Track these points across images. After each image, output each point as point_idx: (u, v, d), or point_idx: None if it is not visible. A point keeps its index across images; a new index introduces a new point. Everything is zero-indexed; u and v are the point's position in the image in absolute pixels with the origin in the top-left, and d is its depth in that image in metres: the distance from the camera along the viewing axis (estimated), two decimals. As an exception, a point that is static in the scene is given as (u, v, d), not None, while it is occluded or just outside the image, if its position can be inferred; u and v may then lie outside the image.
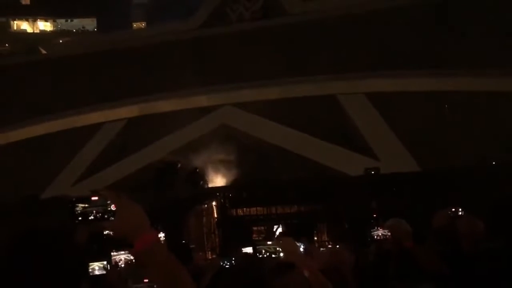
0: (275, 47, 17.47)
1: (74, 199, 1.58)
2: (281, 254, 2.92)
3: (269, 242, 3.00)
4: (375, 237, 4.53)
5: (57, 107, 18.22)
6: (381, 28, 16.51)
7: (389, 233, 4.49)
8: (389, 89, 16.20)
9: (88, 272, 1.42)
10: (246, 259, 2.97)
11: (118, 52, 19.22)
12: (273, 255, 2.96)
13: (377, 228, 4.54)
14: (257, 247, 2.98)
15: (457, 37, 15.55)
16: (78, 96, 18.16)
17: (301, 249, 3.40)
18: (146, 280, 3.03)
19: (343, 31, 16.92)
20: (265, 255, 3.00)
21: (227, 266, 5.64)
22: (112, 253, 3.97)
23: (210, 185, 16.62)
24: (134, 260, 3.78)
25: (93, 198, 1.57)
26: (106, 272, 3.55)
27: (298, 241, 3.39)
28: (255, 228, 13.55)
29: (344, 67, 16.69)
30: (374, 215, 10.28)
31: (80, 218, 1.56)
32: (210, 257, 12.73)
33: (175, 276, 1.54)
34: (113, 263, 3.99)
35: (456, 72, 15.73)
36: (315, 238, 12.67)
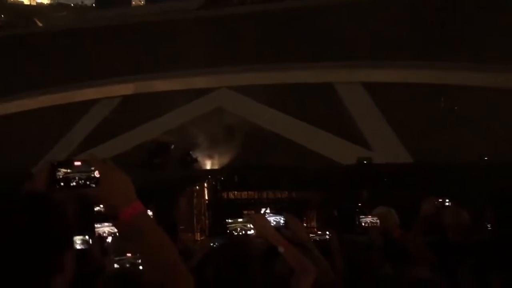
0: (275, 32, 17.35)
1: (55, 163, 1.50)
2: (253, 231, 2.87)
3: (240, 220, 2.95)
4: (363, 224, 4.54)
5: (52, 82, 18.07)
6: (381, 18, 16.40)
7: (378, 221, 4.50)
8: (387, 79, 16.17)
9: (73, 243, 1.36)
10: (234, 239, 2.95)
11: (115, 28, 19.03)
12: (244, 232, 2.91)
13: (365, 216, 4.54)
14: (228, 225, 2.94)
15: (456, 30, 15.49)
16: (74, 71, 18.01)
17: (282, 222, 3.32)
18: (129, 254, 3.00)
19: (343, 19, 16.80)
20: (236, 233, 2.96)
21: (215, 246, 5.66)
22: (95, 225, 3.93)
23: (202, 168, 16.62)
24: (117, 233, 3.75)
25: (76, 163, 1.48)
26: (89, 246, 3.47)
27: (279, 215, 3.32)
28: (245, 212, 13.58)
29: (343, 56, 16.62)
30: (364, 203, 10.33)
31: (61, 184, 1.46)
32: (199, 239, 12.78)
33: (162, 248, 1.49)
34: (97, 235, 3.95)
35: (454, 65, 15.71)
36: (304, 224, 12.72)
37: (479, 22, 14.99)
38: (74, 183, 1.48)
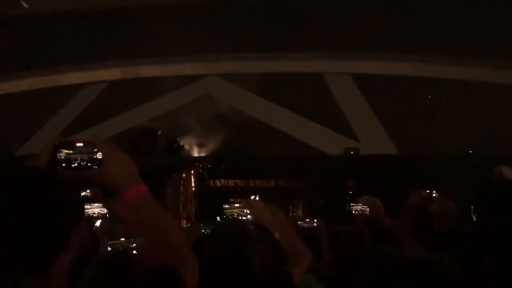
0: (265, 20, 17.27)
1: (57, 143, 1.48)
2: (249, 216, 2.88)
3: (237, 205, 2.96)
4: (354, 211, 4.60)
5: (37, 65, 17.79)
6: (372, 10, 16.41)
7: (368, 209, 4.56)
8: (376, 71, 16.26)
9: (80, 221, 1.31)
10: (228, 224, 2.95)
11: (103, 12, 18.75)
12: (241, 217, 2.92)
13: (356, 204, 4.60)
14: (225, 210, 2.94)
15: (448, 26, 15.58)
16: (60, 54, 17.73)
17: None
18: (122, 239, 2.99)
19: (333, 9, 16.78)
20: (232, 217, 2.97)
21: (207, 232, 5.65)
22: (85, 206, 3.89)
23: (189, 155, 16.56)
24: (108, 215, 3.73)
25: (78, 144, 1.47)
26: None
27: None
28: (231, 200, 13.59)
29: (332, 46, 16.64)
30: (350, 192, 10.42)
31: (63, 165, 1.45)
32: (185, 225, 12.77)
33: (168, 229, 1.49)
34: (86, 215, 3.92)
35: (442, 59, 15.83)
36: (290, 214, 12.80)
37: (470, 16, 15.09)
38: (76, 164, 1.46)
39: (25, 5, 21.79)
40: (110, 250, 2.63)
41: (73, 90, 17.98)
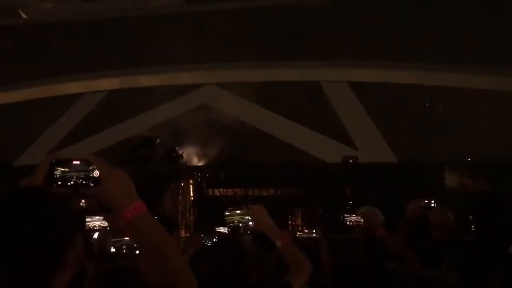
0: (262, 29, 17.33)
1: (54, 160, 1.48)
2: (250, 223, 2.83)
3: (238, 211, 2.92)
4: (348, 222, 4.59)
5: (36, 75, 17.80)
6: (369, 18, 16.48)
7: (361, 220, 4.55)
8: (373, 79, 16.28)
9: (75, 240, 1.30)
10: (229, 235, 2.92)
11: (101, 22, 18.81)
12: (242, 224, 2.87)
13: (350, 215, 4.59)
14: (226, 217, 2.90)
15: (444, 32, 15.64)
16: (59, 64, 17.76)
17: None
18: (126, 238, 2.96)
19: (331, 18, 16.85)
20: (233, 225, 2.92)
21: (208, 244, 5.63)
22: (86, 219, 3.88)
23: (187, 164, 16.54)
24: (109, 228, 3.72)
25: (74, 162, 1.48)
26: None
27: None
28: (230, 209, 13.56)
29: (330, 55, 16.68)
30: (350, 202, 10.40)
31: (59, 182, 1.46)
32: (183, 235, 12.72)
33: (165, 249, 1.47)
34: (87, 229, 3.91)
35: (440, 66, 15.87)
36: (289, 222, 12.78)
37: (468, 23, 15.15)
38: (72, 182, 1.46)
39: (24, 15, 21.87)
40: (112, 266, 2.59)
41: (72, 99, 17.98)
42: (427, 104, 16.23)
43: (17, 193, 1.28)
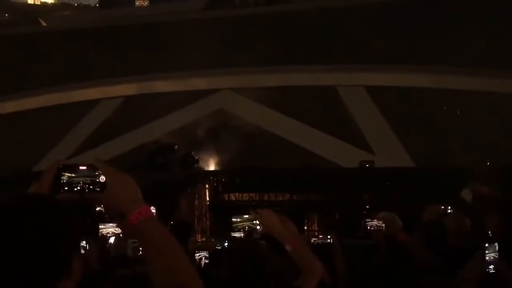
0: (277, 34, 17.35)
1: (60, 166, 1.49)
2: (258, 228, 2.76)
3: (246, 216, 2.84)
4: (369, 227, 4.53)
5: (54, 81, 18.08)
6: (385, 21, 16.39)
7: (383, 225, 4.49)
8: (390, 83, 16.15)
9: (80, 247, 1.29)
10: (244, 241, 2.87)
11: (119, 29, 19.04)
12: (248, 228, 2.80)
13: (371, 219, 4.53)
14: (233, 224, 2.83)
15: (461, 36, 15.46)
16: (76, 71, 18.02)
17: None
18: None
19: (346, 22, 16.79)
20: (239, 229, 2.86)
21: (219, 248, 5.63)
22: (100, 226, 3.91)
23: (204, 169, 16.59)
24: (122, 234, 3.74)
25: (81, 168, 1.48)
26: (85, 251, 3.41)
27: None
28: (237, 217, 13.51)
29: (346, 59, 16.61)
30: (367, 207, 10.29)
31: (66, 188, 1.47)
32: (200, 240, 12.75)
33: (170, 252, 1.46)
34: (100, 235, 3.94)
35: (457, 70, 15.69)
36: (305, 227, 12.69)
37: (482, 27, 14.98)
38: (78, 188, 1.47)
39: (43, 23, 22.27)
40: (124, 272, 2.61)
41: (89, 105, 18.21)
42: (444, 108, 16.04)
43: (22, 200, 1.29)
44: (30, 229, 1.22)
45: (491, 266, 3.11)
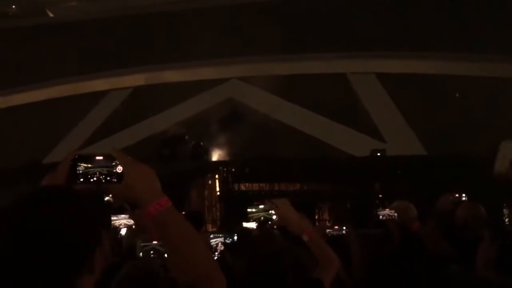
0: (287, 22, 17.19)
1: (76, 156, 1.45)
2: (274, 217, 2.72)
3: (261, 206, 2.80)
4: (381, 217, 4.46)
5: (62, 72, 18.12)
6: (396, 7, 16.17)
7: (395, 214, 4.43)
8: (401, 70, 15.97)
9: (102, 240, 1.26)
10: (260, 231, 2.83)
11: (126, 19, 19.00)
12: (263, 218, 2.76)
13: (383, 209, 4.47)
14: (249, 214, 2.79)
15: (473, 21, 15.22)
16: (84, 62, 18.04)
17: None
18: (155, 242, 2.93)
19: (356, 9, 16.59)
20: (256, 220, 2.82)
21: (228, 241, 5.60)
22: (112, 218, 3.89)
23: (213, 159, 16.59)
24: (134, 226, 3.70)
25: (97, 158, 1.45)
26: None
27: None
28: (255, 203, 13.50)
29: (356, 46, 16.43)
30: (380, 196, 10.21)
31: (82, 179, 1.44)
32: (210, 230, 12.77)
33: (191, 245, 1.42)
34: (112, 227, 3.92)
35: (471, 56, 15.46)
36: (316, 217, 12.66)
37: (495, 11, 14.71)
38: (95, 178, 1.43)
39: (51, 14, 22.28)
40: (135, 264, 2.56)
41: (98, 97, 18.25)
42: (457, 95, 15.84)
43: (41, 193, 1.24)
44: (52, 223, 1.17)
45: None
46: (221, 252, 4.76)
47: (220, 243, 4.62)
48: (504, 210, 6.33)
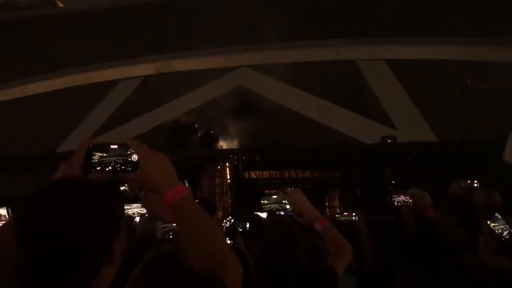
0: (295, 9, 17.07)
1: (91, 145, 1.45)
2: (288, 207, 2.75)
3: (275, 197, 2.83)
4: (396, 203, 4.47)
5: (73, 62, 18.19)
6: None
7: (410, 200, 4.44)
8: (411, 56, 15.82)
9: (120, 230, 1.26)
10: (273, 219, 2.87)
11: (135, 8, 18.97)
12: (278, 209, 2.79)
13: (398, 195, 4.48)
14: (263, 206, 2.82)
15: (482, 6, 15.00)
16: (95, 52, 18.07)
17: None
18: (174, 224, 2.95)
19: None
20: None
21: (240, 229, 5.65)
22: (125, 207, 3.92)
23: (224, 147, 16.62)
24: (147, 214, 3.75)
25: (112, 147, 1.45)
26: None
27: None
28: (267, 192, 13.57)
29: (366, 32, 16.29)
30: (393, 182, 10.20)
31: (97, 168, 1.43)
32: (221, 217, 12.86)
33: (208, 232, 1.44)
34: (126, 216, 3.95)
35: (480, 41, 15.27)
36: (327, 204, 12.69)
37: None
38: (110, 167, 1.43)
39: (60, 5, 22.30)
40: (157, 252, 2.59)
41: (109, 86, 18.31)
42: (468, 81, 15.69)
43: (59, 187, 1.23)
44: (72, 216, 1.18)
45: (505, 234, 3.04)
46: (232, 236, 4.80)
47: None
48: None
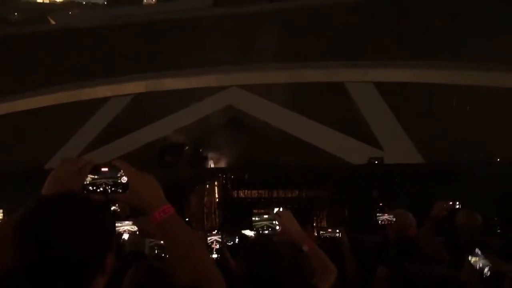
0: (286, 31, 17.34)
1: (95, 165, 1.51)
2: (278, 228, 2.84)
3: (266, 216, 2.92)
4: (380, 222, 4.56)
5: (64, 79, 18.20)
6: (394, 16, 16.32)
7: (394, 219, 4.52)
8: (399, 79, 16.09)
9: (114, 245, 1.30)
10: (261, 237, 2.94)
11: (127, 27, 19.12)
12: (268, 229, 2.88)
13: (383, 214, 4.56)
14: (254, 223, 2.92)
15: (471, 31, 15.37)
16: (86, 69, 18.13)
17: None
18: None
19: (355, 18, 16.74)
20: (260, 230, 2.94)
21: (229, 243, 5.69)
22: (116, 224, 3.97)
23: (212, 166, 16.64)
24: (138, 232, 3.80)
25: (103, 169, 1.51)
26: None
27: None
28: (255, 211, 13.57)
29: (354, 55, 16.57)
30: (380, 204, 10.29)
31: (90, 188, 1.50)
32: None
33: (193, 250, 1.50)
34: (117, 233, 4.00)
35: (466, 65, 15.60)
36: (315, 224, 12.71)
37: (493, 22, 14.87)
38: (101, 189, 1.51)
39: (53, 22, 22.40)
40: (143, 266, 2.64)
41: (99, 103, 18.32)
42: (454, 104, 15.96)
43: (58, 202, 1.29)
44: (68, 228, 1.23)
45: (486, 271, 3.11)
46: (220, 251, 4.82)
47: (215, 241, 4.66)
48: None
